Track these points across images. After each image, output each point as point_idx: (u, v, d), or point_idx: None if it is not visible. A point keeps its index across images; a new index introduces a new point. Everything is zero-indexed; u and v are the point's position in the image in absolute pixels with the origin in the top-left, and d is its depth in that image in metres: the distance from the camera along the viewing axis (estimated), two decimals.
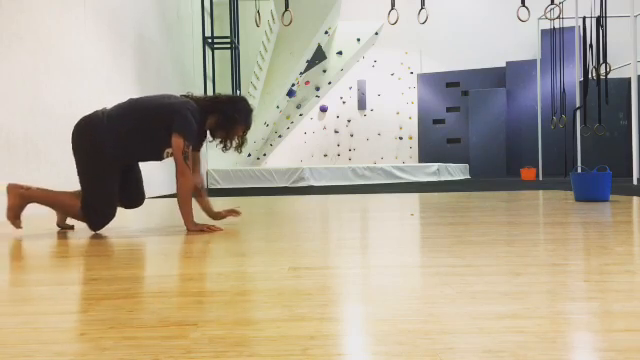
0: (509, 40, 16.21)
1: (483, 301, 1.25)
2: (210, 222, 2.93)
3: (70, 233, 2.88)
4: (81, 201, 2.75)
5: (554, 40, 10.21)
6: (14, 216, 2.78)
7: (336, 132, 17.47)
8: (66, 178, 4.65)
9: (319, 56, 13.06)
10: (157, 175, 7.01)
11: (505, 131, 14.27)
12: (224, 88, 10.08)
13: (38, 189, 2.84)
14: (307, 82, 14.13)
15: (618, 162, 11.34)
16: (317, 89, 14.51)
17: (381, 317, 1.13)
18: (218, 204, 3.74)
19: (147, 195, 6.27)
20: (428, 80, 15.68)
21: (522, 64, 14.50)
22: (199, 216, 2.90)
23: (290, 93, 12.96)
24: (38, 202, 2.83)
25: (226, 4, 9.95)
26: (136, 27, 6.52)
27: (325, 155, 17.42)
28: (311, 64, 13.02)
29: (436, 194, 6.10)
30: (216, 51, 9.94)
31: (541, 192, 6.12)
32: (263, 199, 5.76)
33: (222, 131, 2.87)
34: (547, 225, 2.87)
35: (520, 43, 15.99)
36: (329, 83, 14.65)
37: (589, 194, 4.41)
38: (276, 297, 1.33)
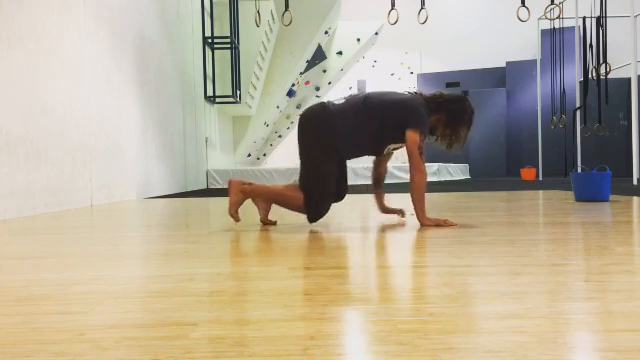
0: (509, 40, 16.21)
1: (483, 301, 1.25)
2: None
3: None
4: (304, 195, 2.81)
5: (554, 40, 10.20)
6: (235, 211, 2.88)
7: None
8: (69, 178, 4.65)
9: (319, 56, 13.05)
10: (156, 175, 7.01)
11: (505, 131, 14.27)
12: (224, 88, 10.09)
13: (260, 185, 2.96)
14: (307, 82, 14.12)
15: (618, 162, 11.34)
16: (317, 89, 14.50)
17: (381, 317, 1.13)
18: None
19: (145, 195, 6.31)
20: (428, 80, 15.68)
21: (522, 64, 14.49)
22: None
23: (290, 93, 12.95)
24: (261, 197, 2.94)
25: (226, 4, 9.95)
26: (136, 27, 6.52)
27: None
28: (311, 64, 13.01)
29: (436, 194, 6.10)
30: (216, 51, 9.93)
31: (541, 192, 6.12)
32: None
33: (448, 129, 2.92)
34: (547, 225, 2.87)
35: (520, 43, 15.99)
36: (329, 83, 14.64)
37: (589, 194, 4.41)
38: (276, 297, 1.33)
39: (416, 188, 2.79)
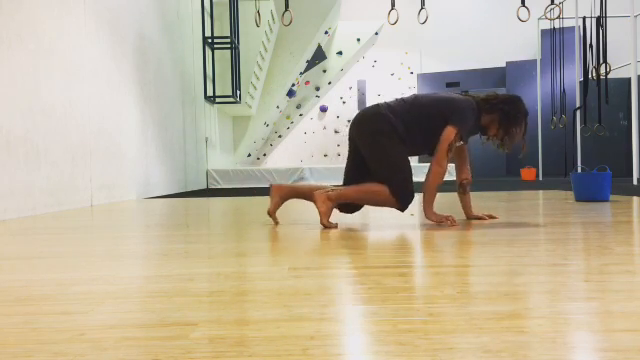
0: (509, 40, 16.20)
1: (483, 301, 1.25)
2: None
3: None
4: (388, 185, 2.79)
5: (554, 40, 10.19)
6: (328, 221, 2.84)
7: (336, 132, 17.45)
8: (69, 178, 4.65)
9: (319, 56, 13.05)
10: (156, 175, 7.01)
11: None
12: (224, 88, 10.08)
13: (343, 189, 2.91)
14: (307, 82, 14.12)
15: (618, 162, 11.33)
16: (317, 89, 14.50)
17: (381, 317, 1.13)
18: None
19: (145, 195, 6.30)
20: (428, 80, 15.67)
21: (522, 64, 14.48)
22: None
23: (290, 93, 12.95)
24: (348, 200, 2.93)
25: (226, 4, 9.95)
26: (136, 27, 6.52)
27: (325, 155, 17.41)
28: (311, 64, 13.01)
29: (437, 194, 6.10)
30: (216, 51, 9.93)
31: (541, 192, 6.12)
32: (263, 199, 5.75)
33: (501, 130, 2.92)
34: (547, 225, 2.87)
35: (520, 43, 15.98)
36: (329, 83, 14.64)
37: (589, 194, 4.41)
38: (276, 297, 1.33)
39: (430, 180, 2.81)
